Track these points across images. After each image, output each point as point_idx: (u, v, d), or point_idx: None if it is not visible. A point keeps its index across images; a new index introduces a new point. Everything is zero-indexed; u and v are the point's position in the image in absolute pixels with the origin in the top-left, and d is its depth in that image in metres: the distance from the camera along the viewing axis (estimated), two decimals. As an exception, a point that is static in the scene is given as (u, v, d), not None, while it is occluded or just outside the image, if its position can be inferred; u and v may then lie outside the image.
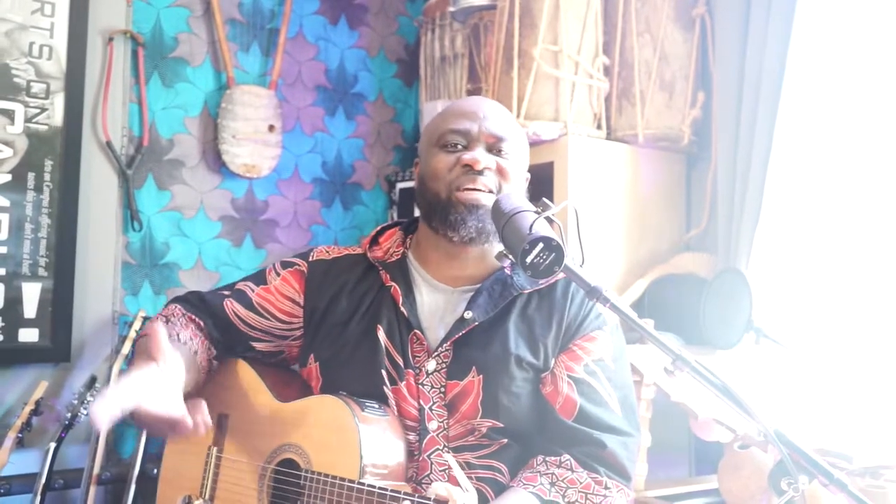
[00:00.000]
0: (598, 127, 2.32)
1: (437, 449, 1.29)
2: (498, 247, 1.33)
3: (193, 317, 1.43)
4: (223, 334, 1.44)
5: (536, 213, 1.14)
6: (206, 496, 1.38)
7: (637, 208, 2.31)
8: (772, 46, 2.07)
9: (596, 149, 2.25)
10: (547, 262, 1.08)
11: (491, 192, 1.31)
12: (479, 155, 1.30)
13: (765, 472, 1.51)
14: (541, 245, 1.08)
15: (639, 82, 2.31)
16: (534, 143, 2.23)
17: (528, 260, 1.08)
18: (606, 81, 2.34)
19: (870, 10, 1.97)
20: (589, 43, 2.28)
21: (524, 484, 1.25)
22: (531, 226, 1.10)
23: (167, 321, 1.40)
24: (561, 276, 1.22)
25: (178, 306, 1.45)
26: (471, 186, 1.30)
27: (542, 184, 2.19)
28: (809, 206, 2.06)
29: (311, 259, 1.46)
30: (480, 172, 1.30)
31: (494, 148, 1.33)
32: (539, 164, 2.25)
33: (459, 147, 1.33)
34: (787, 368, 1.92)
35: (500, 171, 1.33)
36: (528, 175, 1.44)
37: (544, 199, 1.16)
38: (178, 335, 1.35)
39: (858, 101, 1.99)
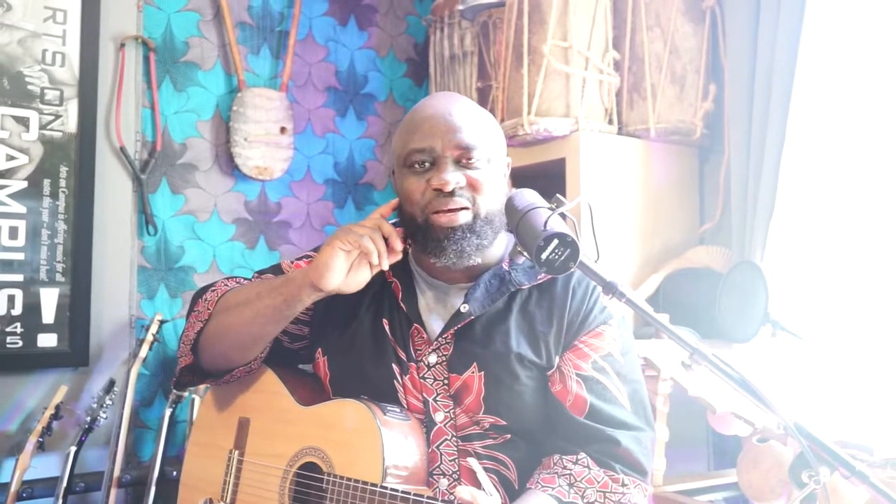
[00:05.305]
0: (610, 122, 2.31)
1: (446, 439, 1.30)
2: (496, 245, 1.34)
3: None
4: None
5: (550, 209, 1.14)
6: (227, 499, 1.38)
7: (650, 203, 2.30)
8: (783, 37, 2.06)
9: (608, 144, 2.25)
10: (562, 258, 1.08)
11: (465, 208, 1.26)
12: (447, 176, 1.25)
13: (784, 464, 1.51)
14: (556, 241, 1.08)
15: (649, 76, 2.30)
16: (545, 140, 2.23)
17: (544, 256, 1.08)
18: (617, 76, 2.33)
19: (882, 1, 1.95)
20: (599, 38, 2.27)
21: (542, 486, 1.24)
22: (546, 222, 1.10)
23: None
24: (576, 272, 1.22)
25: (223, 283, 1.47)
26: (444, 209, 1.26)
27: (554, 180, 2.19)
28: (824, 196, 2.04)
29: None
30: (451, 193, 1.26)
31: (463, 158, 1.27)
32: (551, 161, 2.24)
33: (427, 165, 1.29)
34: (805, 361, 1.91)
35: (472, 185, 1.27)
36: (509, 159, 1.39)
37: (558, 195, 1.16)
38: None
39: (871, 92, 1.97)
